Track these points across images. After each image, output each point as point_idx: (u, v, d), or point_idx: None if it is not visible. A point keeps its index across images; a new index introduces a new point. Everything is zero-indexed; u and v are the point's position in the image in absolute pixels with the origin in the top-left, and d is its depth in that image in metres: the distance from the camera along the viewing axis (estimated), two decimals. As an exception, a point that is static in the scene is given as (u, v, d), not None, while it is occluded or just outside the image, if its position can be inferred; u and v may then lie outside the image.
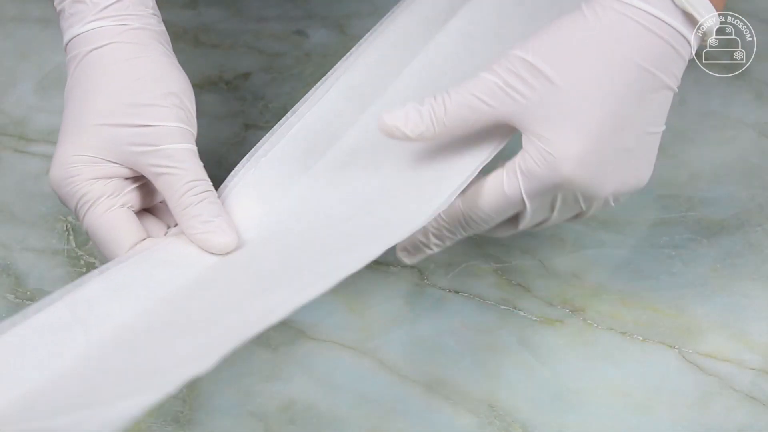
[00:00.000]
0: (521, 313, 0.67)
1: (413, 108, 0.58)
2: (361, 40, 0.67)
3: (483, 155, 0.59)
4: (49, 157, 0.77)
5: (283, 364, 0.65)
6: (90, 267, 0.70)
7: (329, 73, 0.66)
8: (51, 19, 0.87)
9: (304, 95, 0.65)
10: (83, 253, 0.71)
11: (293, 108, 0.65)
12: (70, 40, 0.63)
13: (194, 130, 0.62)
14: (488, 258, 0.70)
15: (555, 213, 0.59)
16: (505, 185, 0.57)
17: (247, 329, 0.50)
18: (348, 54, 0.67)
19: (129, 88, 0.61)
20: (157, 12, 0.65)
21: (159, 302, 0.57)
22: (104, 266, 0.58)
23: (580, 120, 0.56)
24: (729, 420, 0.62)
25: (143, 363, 0.52)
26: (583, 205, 0.59)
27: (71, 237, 0.72)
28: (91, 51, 0.62)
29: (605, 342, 0.66)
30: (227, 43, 0.87)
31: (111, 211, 0.60)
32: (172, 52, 0.64)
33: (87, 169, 0.60)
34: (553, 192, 0.57)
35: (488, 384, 0.64)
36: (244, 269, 0.59)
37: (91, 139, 0.60)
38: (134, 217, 0.61)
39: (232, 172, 0.63)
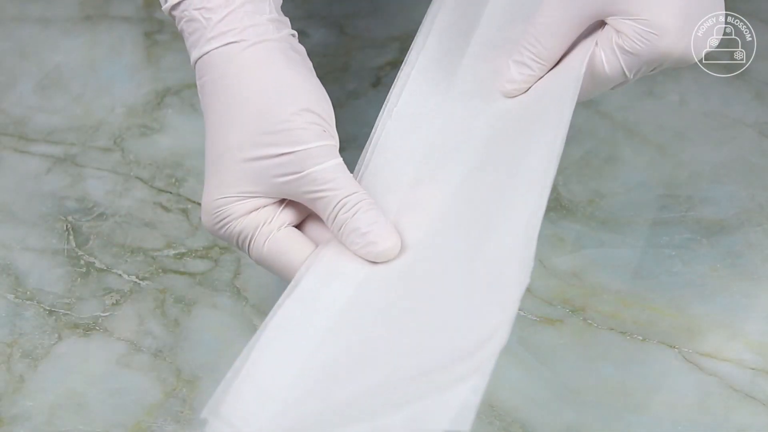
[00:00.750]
0: (521, 313, 0.67)
1: (516, 63, 0.61)
2: None
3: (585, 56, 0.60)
4: (49, 157, 0.77)
5: (283, 364, 0.65)
6: (90, 267, 0.70)
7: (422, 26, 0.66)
8: (51, 19, 0.87)
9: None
10: (83, 253, 0.71)
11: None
12: (195, 64, 0.60)
13: (335, 141, 0.59)
14: (488, 258, 0.70)
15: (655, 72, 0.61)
16: (606, 66, 0.59)
17: None
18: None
19: (257, 116, 0.58)
20: (279, 16, 0.61)
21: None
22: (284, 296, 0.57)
23: None
24: (728, 420, 0.62)
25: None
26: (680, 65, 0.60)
27: (71, 237, 0.72)
28: (212, 79, 0.59)
29: (605, 342, 0.66)
30: (227, 43, 0.86)
31: (271, 239, 0.58)
32: (300, 58, 0.61)
33: (234, 208, 0.58)
34: (655, 64, 0.59)
35: (488, 384, 0.63)
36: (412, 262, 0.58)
37: (233, 179, 0.58)
38: (296, 234, 0.59)
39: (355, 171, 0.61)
